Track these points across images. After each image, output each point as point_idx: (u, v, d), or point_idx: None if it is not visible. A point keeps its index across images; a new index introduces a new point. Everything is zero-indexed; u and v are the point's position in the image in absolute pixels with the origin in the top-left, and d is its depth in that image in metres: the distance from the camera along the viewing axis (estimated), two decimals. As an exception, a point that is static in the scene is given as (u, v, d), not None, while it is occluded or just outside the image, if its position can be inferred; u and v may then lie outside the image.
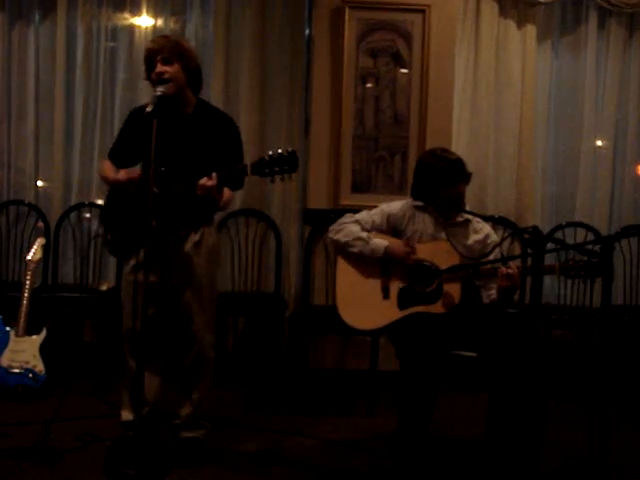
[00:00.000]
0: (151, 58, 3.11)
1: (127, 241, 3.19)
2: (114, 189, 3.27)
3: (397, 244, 3.30)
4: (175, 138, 3.11)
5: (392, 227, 3.39)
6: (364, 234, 3.33)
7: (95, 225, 4.68)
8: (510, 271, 3.06)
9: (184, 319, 3.22)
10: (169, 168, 2.99)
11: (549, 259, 4.46)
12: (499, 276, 3.08)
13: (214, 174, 2.97)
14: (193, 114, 3.20)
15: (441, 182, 3.27)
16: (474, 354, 3.18)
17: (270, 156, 2.89)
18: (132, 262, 3.18)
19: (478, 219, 3.42)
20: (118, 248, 3.30)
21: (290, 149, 2.91)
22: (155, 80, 3.09)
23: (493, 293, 3.25)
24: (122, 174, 3.17)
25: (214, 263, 3.30)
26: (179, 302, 3.21)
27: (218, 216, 4.50)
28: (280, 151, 2.89)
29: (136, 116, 3.25)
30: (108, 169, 3.29)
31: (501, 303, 3.21)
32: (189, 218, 3.16)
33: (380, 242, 3.31)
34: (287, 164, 2.87)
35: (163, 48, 3.10)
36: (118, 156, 3.30)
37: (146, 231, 2.87)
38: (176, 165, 3.04)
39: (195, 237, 3.19)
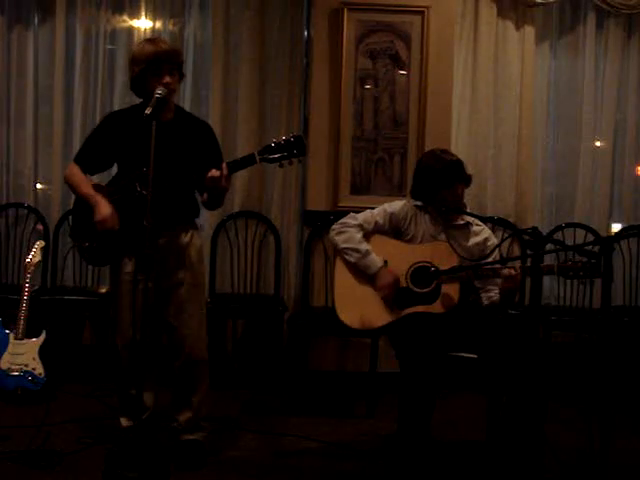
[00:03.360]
0: (160, 63, 3.04)
1: (109, 247, 3.16)
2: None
3: (389, 276, 3.26)
4: (158, 143, 2.97)
5: (394, 227, 3.38)
6: (363, 247, 3.32)
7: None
8: (513, 272, 3.06)
9: (178, 322, 3.21)
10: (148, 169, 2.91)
11: (548, 260, 4.46)
12: (502, 277, 3.08)
13: (224, 164, 3.00)
14: (174, 120, 3.19)
15: (439, 183, 3.27)
16: (474, 355, 3.17)
17: (276, 143, 2.93)
18: (128, 269, 3.15)
19: (478, 222, 3.42)
20: (97, 256, 3.24)
21: (295, 133, 2.97)
22: (154, 87, 3.02)
23: (493, 295, 3.25)
24: (110, 219, 3.06)
25: (202, 265, 3.35)
26: (172, 305, 3.21)
27: (216, 217, 4.58)
28: (285, 137, 2.95)
29: (113, 120, 3.24)
30: (83, 180, 3.19)
31: (502, 304, 3.22)
32: (178, 218, 3.18)
33: (375, 262, 3.29)
34: (296, 148, 2.93)
35: (174, 57, 3.08)
36: (89, 161, 3.23)
37: (140, 233, 2.84)
38: (159, 169, 2.94)
39: (185, 239, 3.22)
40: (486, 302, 3.27)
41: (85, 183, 3.19)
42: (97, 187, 3.19)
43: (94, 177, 3.32)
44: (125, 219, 3.09)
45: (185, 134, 3.19)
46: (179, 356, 3.23)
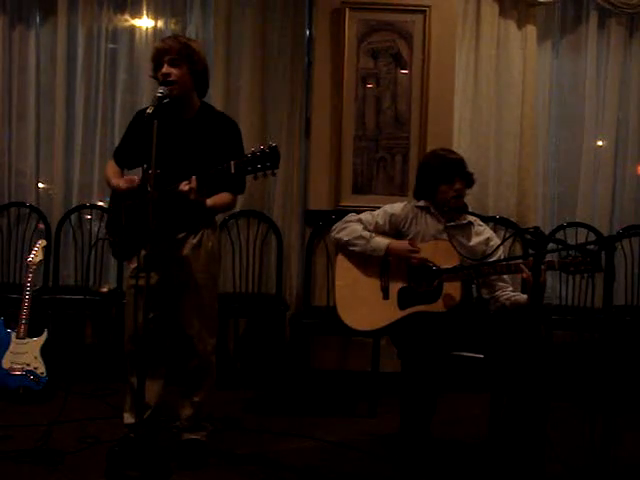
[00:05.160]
0: (159, 58, 3.08)
1: (128, 244, 3.18)
2: (115, 192, 3.27)
3: (400, 243, 3.31)
4: (176, 142, 3.09)
5: (394, 228, 3.39)
6: (366, 233, 3.34)
7: (95, 227, 4.70)
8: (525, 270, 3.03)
9: (184, 323, 3.21)
10: (169, 171, 2.95)
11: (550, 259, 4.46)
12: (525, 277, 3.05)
13: (193, 177, 2.94)
14: (195, 118, 3.18)
15: (439, 177, 3.30)
16: (477, 355, 3.17)
17: (252, 153, 2.84)
18: (133, 266, 3.18)
19: (480, 222, 3.42)
20: (119, 251, 3.30)
21: (272, 144, 2.85)
22: (161, 80, 3.06)
23: (512, 294, 3.24)
24: (122, 182, 3.16)
25: (214, 266, 3.27)
26: (178, 306, 3.21)
27: (218, 216, 4.56)
28: (262, 147, 2.84)
29: (140, 117, 3.23)
30: (111, 171, 3.29)
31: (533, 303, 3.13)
32: (187, 221, 3.15)
33: (382, 241, 3.31)
34: (269, 160, 2.82)
35: (171, 49, 3.07)
36: (122, 157, 3.31)
37: (145, 234, 2.85)
38: (176, 169, 3.01)
39: (194, 240, 3.18)
40: (508, 303, 3.24)
41: (112, 174, 3.26)
42: None
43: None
44: (140, 220, 3.07)
45: (205, 132, 3.15)
46: (192, 357, 3.23)
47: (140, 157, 3.21)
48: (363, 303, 3.32)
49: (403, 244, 3.30)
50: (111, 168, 3.31)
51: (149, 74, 3.23)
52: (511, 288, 3.32)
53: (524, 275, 3.04)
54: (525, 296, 3.17)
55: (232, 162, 2.88)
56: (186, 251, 3.17)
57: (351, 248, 3.35)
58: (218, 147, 3.12)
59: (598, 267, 2.96)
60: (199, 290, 3.19)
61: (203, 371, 3.25)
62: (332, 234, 3.45)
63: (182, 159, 3.08)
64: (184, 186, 2.95)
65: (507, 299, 3.25)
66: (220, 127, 3.21)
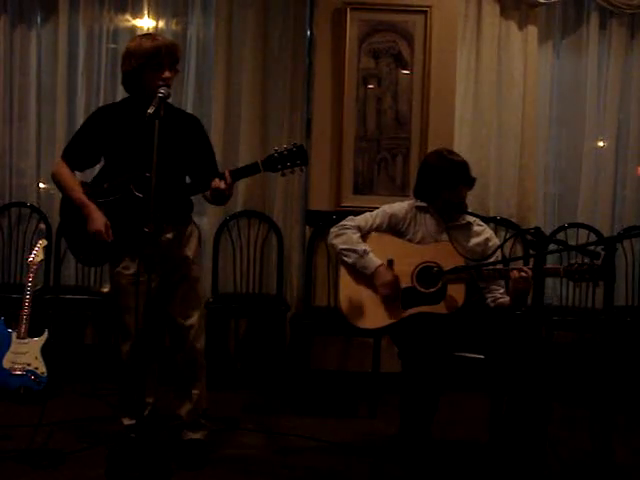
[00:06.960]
0: (160, 57, 3.02)
1: (104, 249, 3.13)
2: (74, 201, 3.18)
3: (386, 273, 3.25)
4: (149, 141, 2.92)
5: (392, 227, 3.38)
6: (360, 247, 3.31)
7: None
8: (523, 274, 3.04)
9: (181, 315, 3.22)
10: (144, 170, 2.92)
11: (551, 260, 4.46)
12: (512, 279, 3.07)
13: (227, 173, 3.01)
14: (163, 117, 3.08)
15: (443, 183, 3.27)
16: (479, 356, 3.17)
17: (279, 152, 2.98)
18: (130, 271, 3.14)
19: (479, 222, 3.41)
20: (90, 256, 3.24)
21: (297, 143, 3.02)
22: (151, 82, 3.02)
23: (499, 296, 3.25)
24: (100, 220, 3.05)
25: (200, 256, 3.43)
26: (176, 298, 3.22)
27: (219, 217, 4.58)
28: (286, 146, 2.99)
29: (103, 115, 3.21)
30: (71, 181, 3.19)
31: (515, 306, 3.19)
32: (177, 215, 3.18)
33: (373, 261, 3.28)
34: (299, 158, 2.98)
35: (175, 53, 3.07)
36: (77, 157, 3.22)
37: (139, 236, 2.83)
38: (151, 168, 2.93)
39: (187, 234, 3.25)
40: (492, 304, 3.27)
41: (76, 187, 3.16)
42: (83, 185, 3.19)
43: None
44: (120, 221, 3.08)
45: (175, 130, 3.15)
46: (182, 348, 3.24)
47: (98, 156, 3.22)
48: (366, 302, 3.31)
49: (389, 278, 3.24)
50: (70, 177, 3.21)
51: (125, 67, 3.09)
52: (502, 290, 3.31)
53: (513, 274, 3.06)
54: (508, 298, 3.21)
55: (259, 161, 3.01)
56: (182, 244, 3.22)
57: (344, 258, 3.34)
58: (189, 143, 3.19)
59: (603, 275, 2.96)
60: (196, 281, 3.27)
61: (198, 362, 3.27)
62: (329, 238, 3.42)
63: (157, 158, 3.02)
64: (221, 183, 2.99)
65: (492, 300, 3.27)
66: (187, 123, 3.25)
